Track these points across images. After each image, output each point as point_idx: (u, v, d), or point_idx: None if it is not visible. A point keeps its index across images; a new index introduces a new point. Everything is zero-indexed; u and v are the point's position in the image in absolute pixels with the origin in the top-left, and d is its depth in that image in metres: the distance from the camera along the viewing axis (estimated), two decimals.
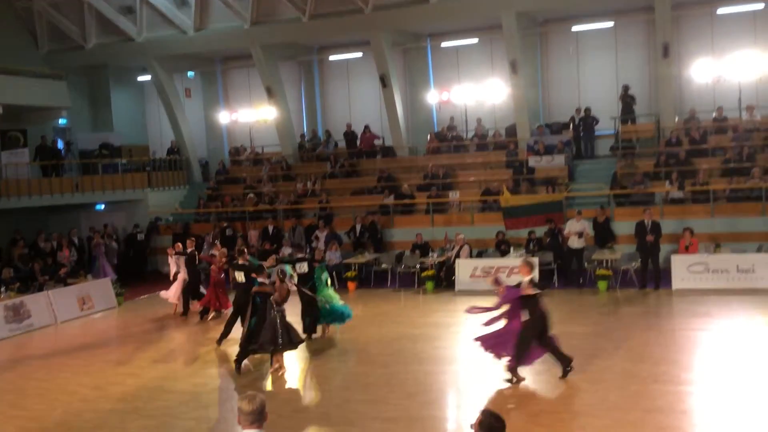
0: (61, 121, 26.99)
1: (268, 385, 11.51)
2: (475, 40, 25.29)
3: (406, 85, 26.47)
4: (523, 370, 10.72)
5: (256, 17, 24.72)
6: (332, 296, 14.30)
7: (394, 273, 19.86)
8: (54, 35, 26.97)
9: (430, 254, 19.78)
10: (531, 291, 10.46)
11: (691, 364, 11.52)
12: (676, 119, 22.78)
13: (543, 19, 24.59)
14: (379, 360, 12.45)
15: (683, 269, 17.09)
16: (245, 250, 15.50)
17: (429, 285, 18.60)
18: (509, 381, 10.51)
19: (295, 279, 14.19)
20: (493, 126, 25.05)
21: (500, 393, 10.32)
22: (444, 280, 18.87)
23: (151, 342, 15.12)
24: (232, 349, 13.27)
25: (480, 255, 19.72)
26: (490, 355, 10.94)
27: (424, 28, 25.26)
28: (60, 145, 25.94)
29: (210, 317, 16.48)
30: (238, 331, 13.94)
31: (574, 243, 18.39)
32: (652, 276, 17.42)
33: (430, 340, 13.66)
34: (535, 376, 10.83)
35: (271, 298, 11.89)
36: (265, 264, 13.79)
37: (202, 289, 17.57)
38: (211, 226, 23.35)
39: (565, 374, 10.59)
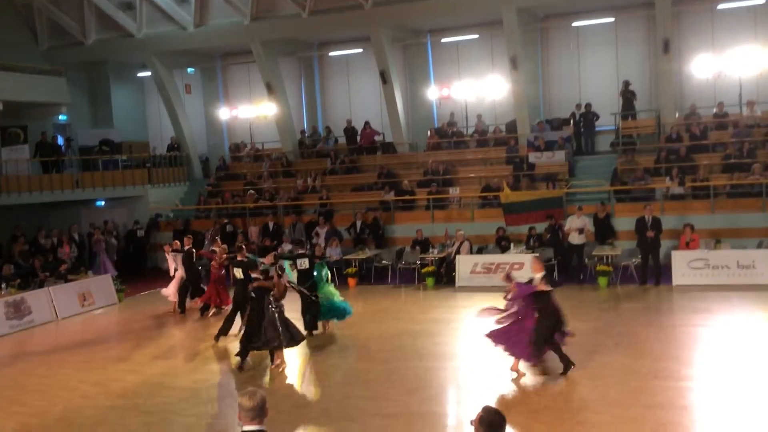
0: (61, 118, 26.98)
1: (269, 381, 11.52)
2: (475, 36, 25.27)
3: (406, 81, 26.45)
4: (524, 368, 10.73)
5: (255, 13, 24.68)
6: (332, 293, 14.30)
7: (395, 269, 19.86)
8: (54, 31, 26.93)
9: (431, 250, 19.78)
10: (545, 287, 10.46)
11: (692, 360, 11.52)
12: (677, 115, 22.76)
13: (543, 14, 24.55)
14: (380, 356, 12.46)
15: (683, 265, 17.09)
16: (243, 246, 15.50)
17: (429, 281, 18.61)
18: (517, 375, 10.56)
19: (294, 276, 14.21)
20: (493, 122, 25.05)
21: (501, 389, 10.32)
22: (444, 277, 18.87)
23: (152, 338, 15.13)
24: (232, 345, 13.30)
25: (480, 251, 19.72)
26: (499, 350, 10.89)
27: (425, 24, 25.23)
28: (60, 141, 25.93)
29: (210, 314, 16.49)
30: (237, 327, 13.99)
31: (575, 239, 18.39)
32: (653, 272, 17.42)
33: (431, 336, 13.67)
34: (534, 371, 10.83)
35: (271, 294, 11.91)
36: (264, 261, 13.79)
37: (203, 286, 17.58)
38: (211, 223, 23.35)
39: (565, 371, 10.60)
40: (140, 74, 29.21)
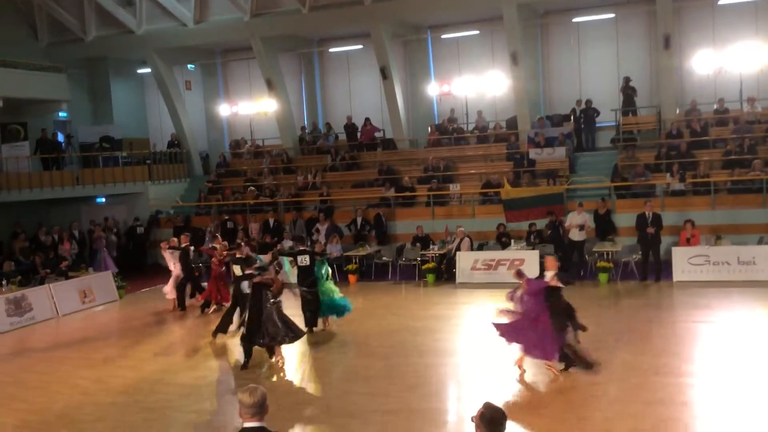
0: (62, 114, 26.95)
1: (269, 377, 11.52)
2: (475, 32, 25.23)
3: (406, 77, 26.43)
4: (524, 365, 10.73)
5: (255, 9, 24.64)
6: (332, 290, 14.29)
7: (395, 266, 19.86)
8: (54, 28, 26.90)
9: (431, 247, 19.78)
10: (557, 283, 10.47)
11: (692, 356, 11.52)
12: (677, 111, 22.74)
13: (544, 10, 24.51)
14: (380, 352, 12.46)
15: (684, 261, 17.08)
16: (242, 243, 15.49)
17: (430, 277, 18.61)
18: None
19: (295, 273, 14.23)
20: (493, 118, 25.02)
21: (501, 385, 10.32)
22: (445, 273, 18.87)
23: (152, 335, 15.15)
24: (232, 341, 13.31)
25: (481, 247, 19.70)
26: (512, 347, 10.81)
27: (425, 20, 25.20)
28: (60, 138, 25.92)
29: (211, 310, 16.48)
30: (234, 324, 14.00)
31: (575, 235, 18.39)
32: (653, 268, 17.41)
33: (431, 332, 13.67)
34: (535, 368, 10.83)
35: (269, 290, 11.94)
36: (263, 258, 13.78)
37: (204, 283, 17.57)
38: (211, 219, 23.30)
39: (566, 368, 10.59)
40: (140, 71, 29.18)
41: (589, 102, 23.25)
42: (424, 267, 18.77)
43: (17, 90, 23.17)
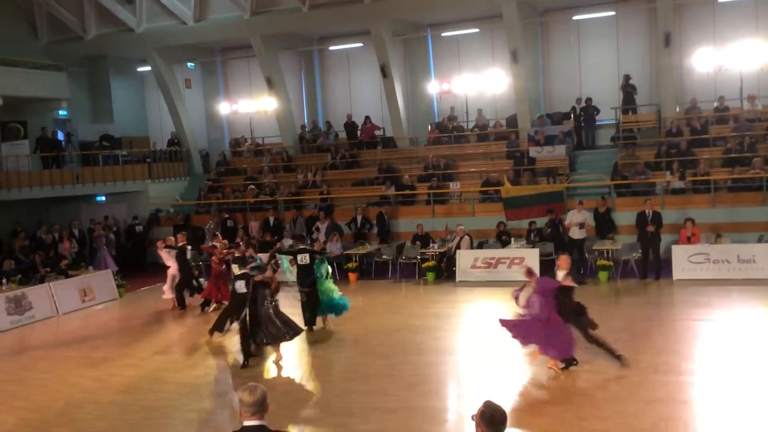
0: (61, 113, 26.94)
1: (269, 376, 11.53)
2: (475, 30, 25.21)
3: (406, 75, 26.41)
4: (524, 363, 10.73)
5: (255, 7, 24.61)
6: (332, 289, 14.27)
7: (395, 264, 19.86)
8: (53, 26, 26.87)
9: (431, 245, 19.77)
10: (571, 283, 10.45)
11: (692, 354, 11.52)
12: (677, 109, 22.73)
13: (544, 8, 24.50)
14: (380, 351, 12.47)
15: (684, 259, 17.08)
16: (240, 243, 15.46)
17: (430, 276, 18.60)
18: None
19: (294, 271, 14.23)
20: (493, 116, 25.01)
21: (501, 383, 10.32)
22: (445, 271, 18.87)
23: (152, 334, 15.14)
24: (231, 340, 13.30)
25: (481, 246, 19.69)
26: (508, 341, 10.81)
27: (425, 18, 25.18)
28: (60, 136, 25.91)
29: (211, 309, 16.47)
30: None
31: (575, 233, 18.39)
32: (653, 266, 17.41)
33: (431, 330, 13.67)
34: (536, 367, 10.85)
35: (269, 289, 11.97)
36: (261, 257, 13.78)
37: (203, 282, 17.55)
38: (211, 218, 23.27)
39: (567, 366, 10.60)
40: (140, 69, 29.17)
41: (589, 100, 23.24)
42: (424, 265, 18.76)
43: (17, 88, 23.15)
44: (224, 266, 16.57)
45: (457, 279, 18.43)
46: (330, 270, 14.64)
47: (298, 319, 13.12)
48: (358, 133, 25.96)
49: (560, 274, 10.64)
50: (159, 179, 26.41)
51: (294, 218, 22.32)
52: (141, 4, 25.78)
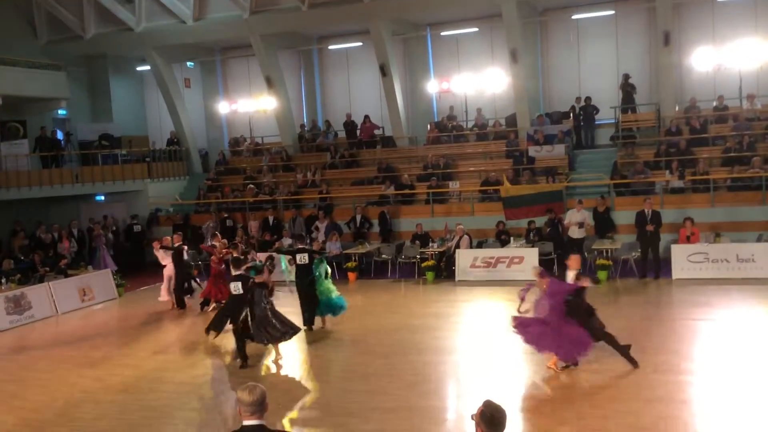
0: (61, 112, 26.92)
1: (268, 375, 11.53)
2: (475, 29, 25.21)
3: (406, 75, 26.40)
4: (524, 362, 10.73)
5: (255, 6, 24.60)
6: (330, 289, 14.24)
7: (394, 263, 19.86)
8: (53, 25, 26.85)
9: (430, 244, 19.77)
10: (588, 283, 10.42)
11: (691, 353, 11.53)
12: (677, 108, 22.74)
13: (543, 7, 24.50)
14: (379, 350, 12.47)
15: (683, 259, 17.08)
16: (238, 244, 15.45)
17: (429, 275, 18.60)
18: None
19: (293, 271, 14.23)
20: (493, 115, 25.01)
21: (501, 383, 10.32)
22: (444, 271, 18.87)
23: (152, 333, 15.15)
24: (229, 340, 13.28)
25: (480, 245, 19.70)
26: (516, 343, 10.73)
27: (424, 17, 25.17)
28: (59, 135, 25.89)
29: (210, 308, 16.45)
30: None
31: (575, 233, 18.39)
32: (652, 266, 17.42)
33: (430, 330, 13.68)
34: (535, 366, 10.86)
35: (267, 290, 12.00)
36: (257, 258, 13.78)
37: (202, 284, 17.52)
38: (210, 217, 23.28)
39: (566, 366, 10.60)
40: (139, 68, 29.15)
41: (588, 99, 23.23)
42: (423, 265, 18.76)
43: (16, 88, 23.12)
44: (223, 266, 16.56)
45: (457, 278, 18.43)
46: (329, 270, 14.60)
47: (295, 318, 13.13)
48: (358, 132, 25.96)
49: (570, 274, 10.59)
50: (158, 179, 26.40)
51: (293, 218, 22.33)
52: (140, 3, 25.76)
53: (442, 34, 25.78)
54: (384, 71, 24.55)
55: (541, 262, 17.52)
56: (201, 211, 24.70)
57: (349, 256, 19.84)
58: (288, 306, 13.43)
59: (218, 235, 18.86)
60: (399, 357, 11.96)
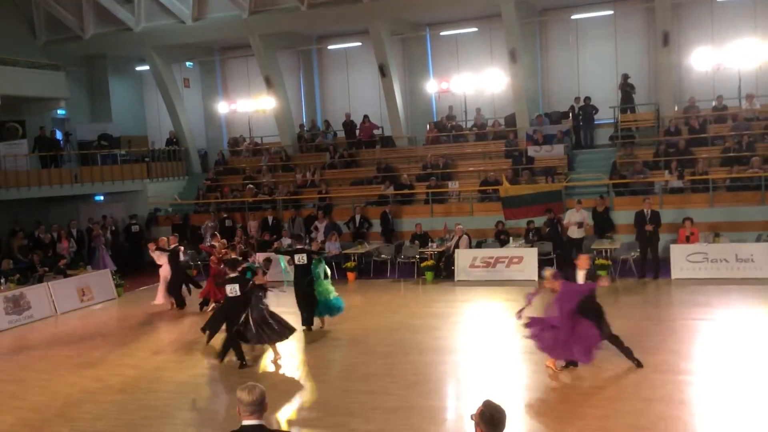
0: (60, 112, 26.92)
1: (268, 375, 11.53)
2: (474, 29, 25.21)
3: (405, 75, 26.41)
4: (524, 362, 10.73)
5: (254, 6, 24.58)
6: (329, 290, 14.21)
7: (394, 263, 19.86)
8: (52, 25, 26.84)
9: (430, 244, 19.77)
10: (608, 282, 10.34)
11: (691, 353, 11.53)
12: (676, 108, 22.75)
13: (542, 7, 24.50)
14: (379, 350, 12.47)
15: (682, 259, 17.09)
16: (236, 245, 15.43)
17: (428, 275, 18.60)
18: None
19: (292, 272, 14.23)
20: (492, 115, 25.01)
21: (500, 383, 10.33)
22: (443, 271, 18.87)
23: (151, 333, 15.15)
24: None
25: (479, 245, 19.71)
26: (544, 354, 10.58)
27: (423, 17, 25.17)
28: (59, 135, 25.90)
29: (210, 308, 16.43)
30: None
31: (574, 233, 18.39)
32: (651, 266, 17.43)
33: (430, 330, 13.68)
34: (534, 366, 10.86)
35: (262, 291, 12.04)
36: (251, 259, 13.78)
37: (202, 283, 17.52)
38: (209, 217, 23.26)
39: (567, 365, 10.60)
40: (139, 68, 29.13)
41: (587, 99, 23.24)
42: (422, 265, 18.76)
43: (15, 88, 23.12)
44: (223, 266, 16.54)
45: (456, 278, 18.44)
46: (328, 271, 14.58)
47: (293, 318, 13.13)
48: (357, 132, 25.96)
49: (580, 275, 10.55)
50: (157, 179, 26.39)
51: (292, 218, 22.32)
52: (139, 3, 25.74)
53: (442, 34, 25.78)
54: (383, 71, 24.56)
55: (541, 262, 17.56)
56: (200, 211, 24.69)
57: (349, 256, 19.84)
58: (283, 306, 13.40)
59: (217, 235, 18.85)
60: (399, 357, 11.96)
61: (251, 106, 26.82)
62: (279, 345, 12.22)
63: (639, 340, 12.01)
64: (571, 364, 10.58)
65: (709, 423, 8.67)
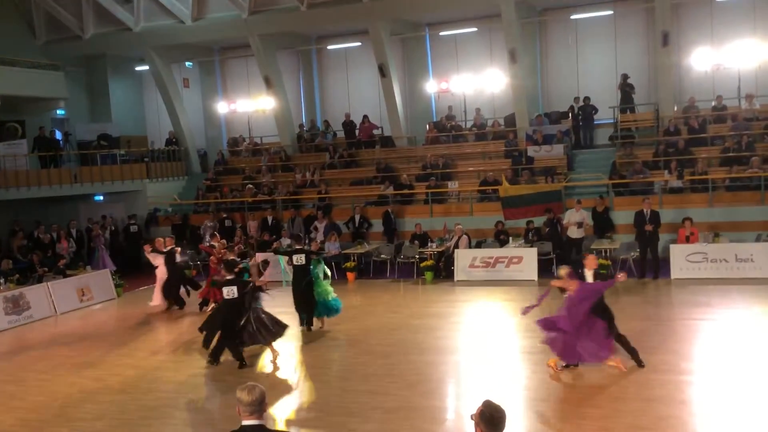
0: (59, 112, 26.92)
1: (268, 375, 11.52)
2: (473, 29, 25.21)
3: (404, 75, 26.41)
4: (524, 362, 10.72)
5: (254, 6, 24.59)
6: (327, 291, 14.18)
7: (393, 263, 19.85)
8: (51, 25, 26.84)
9: (429, 244, 19.77)
10: (625, 278, 10.50)
11: (690, 353, 11.53)
12: (675, 108, 22.75)
13: (542, 7, 24.51)
14: (379, 350, 12.46)
15: (682, 259, 17.09)
16: (235, 246, 15.42)
17: (428, 275, 18.59)
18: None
19: (290, 272, 14.23)
20: (492, 115, 25.01)
21: (501, 383, 10.33)
22: (443, 271, 18.86)
23: (150, 333, 15.15)
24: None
25: (479, 245, 19.70)
26: (559, 359, 10.47)
27: (423, 17, 25.18)
28: (58, 135, 25.89)
29: (209, 308, 16.41)
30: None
31: (573, 233, 18.39)
32: (651, 266, 17.42)
33: (430, 330, 13.67)
34: (534, 365, 10.86)
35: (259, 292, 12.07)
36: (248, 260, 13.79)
37: (201, 283, 17.51)
38: (209, 217, 23.25)
39: (566, 366, 10.58)
40: (138, 68, 29.13)
41: (587, 99, 23.24)
42: (422, 265, 18.76)
43: (15, 88, 23.12)
44: (222, 266, 16.53)
45: (456, 278, 18.43)
46: (328, 271, 14.55)
47: (289, 318, 13.12)
48: (357, 132, 25.95)
49: (588, 274, 10.55)
50: (157, 179, 26.39)
51: (292, 218, 22.32)
52: (139, 3, 25.75)
53: (441, 34, 25.78)
54: (383, 71, 24.56)
55: (540, 262, 17.54)
56: (200, 211, 24.68)
57: (348, 256, 19.83)
58: (279, 306, 13.38)
59: (217, 235, 18.83)
60: (399, 357, 11.95)
61: (251, 106, 26.82)
62: (276, 344, 12.20)
63: (639, 340, 12.00)
64: (571, 363, 10.57)
65: (709, 423, 8.67)
